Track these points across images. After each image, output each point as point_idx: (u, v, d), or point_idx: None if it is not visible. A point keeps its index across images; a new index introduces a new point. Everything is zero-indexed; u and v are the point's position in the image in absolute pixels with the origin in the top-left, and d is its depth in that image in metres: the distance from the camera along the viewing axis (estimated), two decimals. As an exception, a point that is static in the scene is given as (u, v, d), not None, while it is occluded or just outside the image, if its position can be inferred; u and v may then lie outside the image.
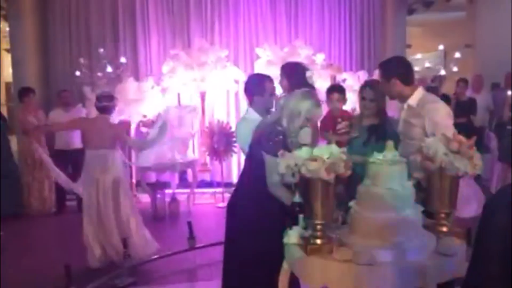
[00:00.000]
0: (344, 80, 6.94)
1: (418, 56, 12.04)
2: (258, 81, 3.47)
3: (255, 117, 3.28)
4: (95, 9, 7.87)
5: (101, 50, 7.27)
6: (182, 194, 6.91)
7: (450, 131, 2.84)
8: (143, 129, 7.10)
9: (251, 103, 3.47)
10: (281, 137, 2.72)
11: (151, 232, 4.75)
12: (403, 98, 3.10)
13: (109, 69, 7.10)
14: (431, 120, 2.93)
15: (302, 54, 7.03)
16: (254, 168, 2.85)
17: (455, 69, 10.48)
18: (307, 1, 8.22)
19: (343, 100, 4.37)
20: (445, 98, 7.12)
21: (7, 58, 11.21)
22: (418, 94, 3.04)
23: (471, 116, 7.08)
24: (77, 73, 7.23)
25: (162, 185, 6.83)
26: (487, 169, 6.11)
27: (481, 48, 9.76)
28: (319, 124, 3.80)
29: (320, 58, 7.29)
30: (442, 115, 2.98)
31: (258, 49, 7.55)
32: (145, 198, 6.93)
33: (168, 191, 6.73)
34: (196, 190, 7.06)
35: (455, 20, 10.93)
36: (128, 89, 6.94)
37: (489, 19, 9.59)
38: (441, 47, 11.46)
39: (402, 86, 3.04)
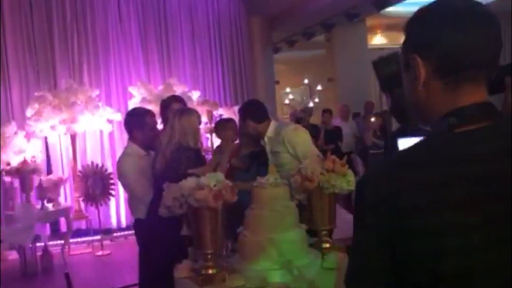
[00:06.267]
0: (220, 115, 7.07)
1: (287, 90, 12.86)
2: (139, 115, 3.38)
3: (140, 152, 3.18)
4: None
5: None
6: (55, 246, 6.34)
7: (311, 145, 3.21)
8: (7, 179, 6.44)
9: (130, 137, 3.35)
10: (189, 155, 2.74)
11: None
12: (261, 135, 3.37)
13: None
14: (290, 142, 3.20)
15: (177, 91, 7.03)
16: None
17: (316, 100, 11.47)
18: (178, 41, 8.30)
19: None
20: (314, 128, 7.70)
21: None
22: (272, 126, 3.37)
23: (338, 143, 7.66)
24: None
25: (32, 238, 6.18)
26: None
27: (341, 81, 10.73)
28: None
29: (195, 95, 7.37)
30: (298, 133, 3.31)
31: (131, 88, 7.39)
32: (12, 255, 6.22)
33: (39, 244, 6.12)
34: (71, 240, 6.53)
35: (316, 57, 11.89)
36: (-14, 136, 6.28)
37: (346, 56, 10.64)
38: (306, 81, 12.38)
39: (255, 125, 3.35)
